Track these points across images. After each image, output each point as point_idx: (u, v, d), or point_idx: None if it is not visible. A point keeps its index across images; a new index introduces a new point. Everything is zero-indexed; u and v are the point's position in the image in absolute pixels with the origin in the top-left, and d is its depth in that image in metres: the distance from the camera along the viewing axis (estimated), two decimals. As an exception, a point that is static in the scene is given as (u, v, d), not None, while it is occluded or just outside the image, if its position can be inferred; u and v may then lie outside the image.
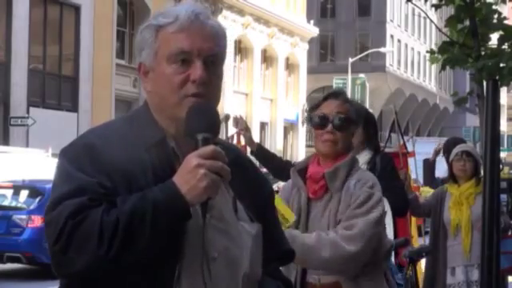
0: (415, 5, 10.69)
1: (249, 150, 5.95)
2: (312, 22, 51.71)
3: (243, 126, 5.91)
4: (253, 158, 6.06)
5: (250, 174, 2.35)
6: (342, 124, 3.70)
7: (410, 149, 8.01)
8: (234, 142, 6.22)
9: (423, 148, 13.71)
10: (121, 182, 2.10)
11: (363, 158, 5.21)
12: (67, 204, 2.04)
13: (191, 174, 2.03)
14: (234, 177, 2.11)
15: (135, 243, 2.01)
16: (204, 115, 2.13)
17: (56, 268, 2.09)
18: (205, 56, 2.20)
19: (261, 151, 5.82)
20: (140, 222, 2.02)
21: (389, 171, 5.34)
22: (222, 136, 6.05)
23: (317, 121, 3.74)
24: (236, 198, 2.24)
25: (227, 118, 4.66)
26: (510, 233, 6.73)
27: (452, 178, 6.57)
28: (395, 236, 5.35)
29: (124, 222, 2.01)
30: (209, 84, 2.20)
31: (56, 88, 29.29)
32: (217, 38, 2.24)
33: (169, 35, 2.21)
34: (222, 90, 2.31)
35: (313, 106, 3.84)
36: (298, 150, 47.78)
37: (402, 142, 7.23)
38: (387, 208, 5.00)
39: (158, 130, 2.21)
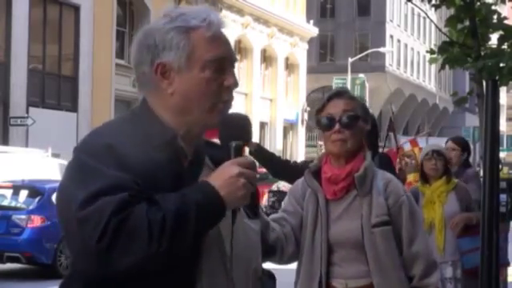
0: (415, 5, 10.68)
1: (247, 149, 5.93)
2: (312, 21, 51.71)
3: None
4: (252, 158, 6.06)
5: None
6: (349, 122, 3.67)
7: (422, 145, 8.09)
8: None
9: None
10: (144, 181, 2.10)
11: None
12: (108, 200, 2.01)
13: (232, 181, 2.11)
14: None
15: (180, 242, 2.04)
16: (236, 125, 2.22)
17: (97, 265, 2.04)
18: (235, 63, 2.26)
19: (260, 151, 5.80)
20: (185, 221, 2.05)
21: (388, 171, 5.34)
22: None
23: (324, 122, 3.71)
24: None
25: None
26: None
27: (423, 177, 6.63)
28: None
29: (171, 220, 2.02)
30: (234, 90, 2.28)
31: (56, 88, 29.28)
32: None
33: (204, 40, 2.21)
34: None
35: (318, 109, 3.79)
36: (298, 149, 47.78)
37: (400, 142, 7.25)
38: None
39: (167, 130, 2.21)
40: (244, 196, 2.12)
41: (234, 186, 2.10)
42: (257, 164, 5.49)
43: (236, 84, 2.23)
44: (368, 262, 3.61)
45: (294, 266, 3.80)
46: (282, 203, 3.90)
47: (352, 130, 3.68)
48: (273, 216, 3.74)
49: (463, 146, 7.84)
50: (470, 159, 8.32)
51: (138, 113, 2.25)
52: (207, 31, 2.21)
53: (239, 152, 2.18)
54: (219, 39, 2.23)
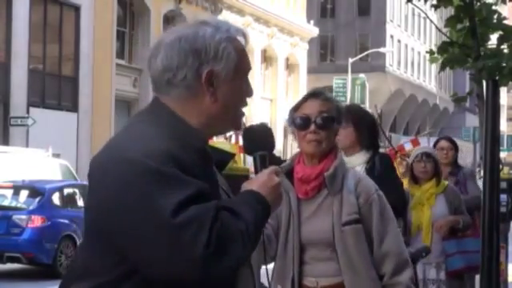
0: (415, 5, 10.68)
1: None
2: (312, 22, 51.72)
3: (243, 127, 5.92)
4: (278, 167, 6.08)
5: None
6: (325, 123, 3.71)
7: (424, 145, 8.12)
8: (233, 141, 6.23)
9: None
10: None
11: (361, 157, 5.19)
12: (205, 207, 2.10)
13: (274, 190, 2.27)
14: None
15: (254, 248, 2.22)
16: (259, 136, 2.38)
17: (198, 270, 2.07)
18: None
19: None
20: (259, 229, 2.21)
21: (389, 171, 5.33)
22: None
23: (299, 122, 3.75)
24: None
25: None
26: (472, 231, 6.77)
27: (413, 179, 6.65)
28: None
29: (251, 228, 2.16)
30: None
31: (56, 88, 29.28)
32: None
33: (243, 52, 2.33)
34: None
35: (294, 108, 3.84)
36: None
37: (400, 142, 7.30)
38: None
39: (199, 134, 2.29)
40: (280, 203, 2.30)
41: (275, 195, 2.27)
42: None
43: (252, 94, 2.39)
44: (339, 261, 3.64)
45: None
46: None
47: (327, 131, 3.72)
48: None
49: (456, 144, 7.89)
50: (470, 159, 8.33)
51: (163, 117, 2.28)
52: (244, 43, 2.35)
53: (264, 161, 2.33)
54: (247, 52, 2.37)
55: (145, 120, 2.28)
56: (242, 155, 6.25)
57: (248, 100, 2.37)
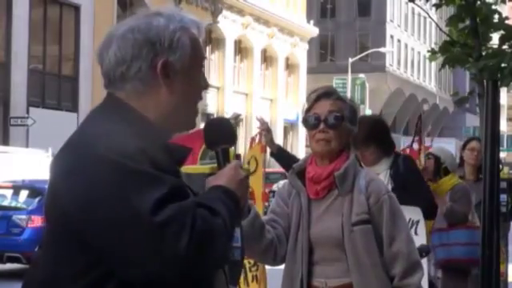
0: (417, 4, 10.67)
1: (268, 150, 5.96)
2: (312, 22, 51.72)
3: (265, 127, 5.95)
4: (272, 160, 6.09)
5: None
6: (334, 122, 3.70)
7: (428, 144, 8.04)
8: (257, 141, 6.28)
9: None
10: None
11: (384, 164, 5.21)
12: (184, 204, 2.04)
13: (242, 184, 2.22)
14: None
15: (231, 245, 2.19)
16: (220, 129, 2.31)
17: (181, 267, 2.02)
18: None
19: (281, 153, 5.84)
20: (233, 225, 2.15)
21: (414, 172, 5.31)
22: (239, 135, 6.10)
23: (310, 121, 3.76)
24: None
25: (237, 117, 4.71)
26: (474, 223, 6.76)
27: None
28: None
29: (229, 224, 2.11)
30: None
31: (56, 88, 29.30)
32: None
33: (198, 41, 2.26)
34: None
35: (306, 109, 3.84)
36: (298, 150, 47.76)
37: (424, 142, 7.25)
38: (420, 217, 4.98)
39: (162, 131, 2.21)
40: (247, 198, 2.25)
41: (244, 189, 2.22)
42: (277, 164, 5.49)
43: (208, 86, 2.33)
44: (348, 261, 3.63)
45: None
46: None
47: (336, 131, 3.71)
48: (263, 218, 3.76)
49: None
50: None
51: (123, 113, 2.18)
52: (199, 33, 2.27)
53: (227, 155, 2.26)
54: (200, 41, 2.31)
55: (105, 117, 2.18)
56: (262, 155, 6.25)
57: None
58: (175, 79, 2.21)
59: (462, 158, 7.46)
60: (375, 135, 5.21)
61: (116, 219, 2.00)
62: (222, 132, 2.30)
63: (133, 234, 2.00)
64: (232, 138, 2.31)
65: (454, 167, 7.19)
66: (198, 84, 2.27)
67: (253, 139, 6.41)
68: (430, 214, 5.34)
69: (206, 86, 2.30)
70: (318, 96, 3.81)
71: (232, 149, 2.31)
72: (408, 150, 7.27)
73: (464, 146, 7.52)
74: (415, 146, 7.44)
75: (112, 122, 2.14)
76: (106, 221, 2.01)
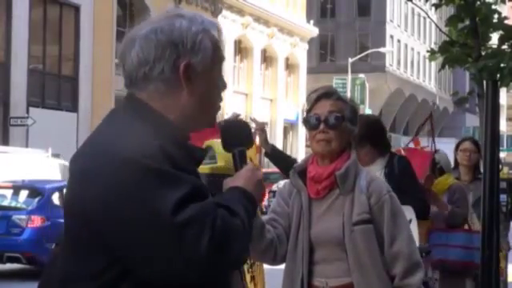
0: (415, 4, 10.70)
1: (263, 150, 5.95)
2: (312, 22, 51.72)
3: (260, 127, 5.95)
4: (267, 159, 6.08)
5: None
6: (334, 122, 3.70)
7: (423, 144, 7.99)
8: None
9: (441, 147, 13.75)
10: None
11: (379, 164, 5.22)
12: (205, 204, 2.06)
13: (258, 184, 2.27)
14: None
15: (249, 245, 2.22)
16: (236, 131, 2.36)
17: (202, 267, 2.03)
18: None
19: (275, 153, 5.84)
20: (251, 226, 2.19)
21: (409, 173, 5.33)
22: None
23: (310, 122, 3.76)
24: None
25: (237, 117, 4.76)
26: (466, 226, 6.75)
27: None
28: None
29: (247, 225, 2.15)
30: None
31: (56, 88, 29.29)
32: None
33: (218, 44, 2.28)
34: None
35: (307, 109, 3.85)
36: (298, 150, 47.80)
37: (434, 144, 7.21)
38: (412, 216, 4.99)
39: (184, 133, 2.25)
40: (263, 199, 2.30)
41: (261, 191, 2.27)
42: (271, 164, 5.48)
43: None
44: (348, 261, 3.63)
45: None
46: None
47: (337, 131, 3.71)
48: (264, 217, 3.76)
49: (480, 148, 7.59)
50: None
51: (145, 114, 2.20)
52: (219, 35, 2.29)
53: (244, 157, 2.31)
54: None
55: (126, 117, 2.20)
56: (258, 155, 6.22)
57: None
58: (196, 81, 2.22)
59: (456, 160, 7.44)
60: (370, 135, 5.22)
61: (137, 219, 2.02)
62: (240, 134, 2.35)
63: (153, 234, 2.01)
64: (249, 141, 2.36)
65: (448, 167, 7.18)
66: (217, 85, 2.28)
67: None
68: (423, 214, 5.36)
69: (224, 86, 2.31)
70: (319, 96, 3.82)
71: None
72: (402, 150, 7.25)
73: (457, 148, 7.48)
74: (411, 145, 7.43)
75: (133, 123, 2.16)
76: (127, 221, 2.03)
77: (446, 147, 9.37)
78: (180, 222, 2.00)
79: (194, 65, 2.21)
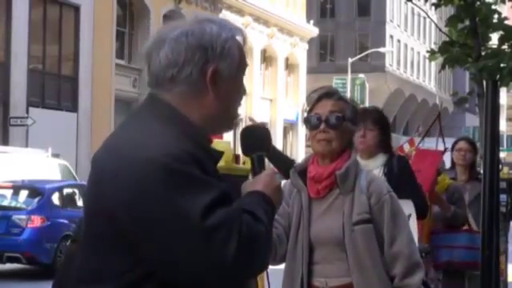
0: (415, 4, 10.71)
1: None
2: (312, 22, 51.72)
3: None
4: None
5: None
6: (335, 122, 3.71)
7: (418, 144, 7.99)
8: None
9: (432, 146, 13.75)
10: None
11: (379, 160, 5.22)
12: (232, 210, 2.09)
13: (277, 191, 2.28)
14: None
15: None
16: (255, 137, 2.38)
17: (227, 272, 2.05)
18: None
19: (274, 153, 5.85)
20: (272, 231, 2.22)
21: (408, 173, 5.34)
22: None
23: (311, 122, 3.77)
24: None
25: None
26: (465, 226, 6.75)
27: None
28: None
29: (270, 230, 2.19)
30: None
31: (56, 88, 29.27)
32: None
33: (243, 51, 2.31)
34: None
35: (308, 109, 3.86)
36: (298, 150, 47.79)
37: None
38: (412, 211, 5.00)
39: (203, 132, 2.26)
40: (281, 204, 2.33)
41: (279, 196, 2.29)
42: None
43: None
44: (348, 261, 3.63)
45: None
46: None
47: (337, 131, 3.72)
48: None
49: (476, 147, 7.48)
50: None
51: (168, 114, 2.21)
52: (244, 42, 2.33)
53: (262, 162, 2.34)
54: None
55: (149, 118, 2.20)
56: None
57: (247, 100, 2.38)
58: (221, 86, 2.25)
59: (452, 160, 7.44)
60: (382, 123, 5.27)
61: (164, 219, 2.03)
62: (261, 139, 2.37)
63: (181, 236, 2.02)
64: (269, 146, 2.39)
65: (442, 167, 7.18)
66: (239, 91, 2.31)
67: None
68: (421, 213, 5.37)
69: (244, 92, 2.35)
70: (320, 96, 3.82)
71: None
72: (402, 150, 7.25)
73: (452, 148, 7.47)
74: (406, 146, 7.42)
75: (157, 123, 2.17)
76: (153, 221, 2.04)
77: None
78: (209, 226, 2.01)
79: (221, 70, 2.24)
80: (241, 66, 2.29)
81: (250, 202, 2.18)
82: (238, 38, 2.30)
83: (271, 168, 2.36)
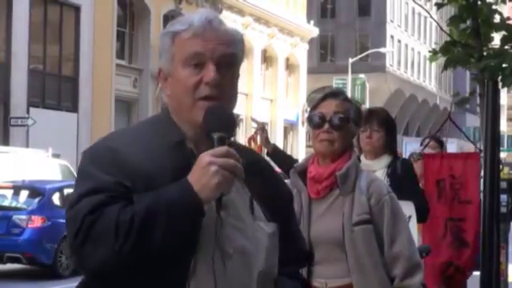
0: (418, 4, 10.70)
1: (264, 150, 5.96)
2: (312, 22, 51.72)
3: (260, 127, 5.96)
4: (268, 159, 6.09)
5: (267, 176, 2.41)
6: (339, 123, 3.70)
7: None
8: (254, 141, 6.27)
9: (413, 147, 13.75)
10: (141, 182, 2.16)
11: (383, 161, 5.23)
12: (85, 201, 2.12)
13: (203, 171, 2.10)
14: (251, 177, 2.23)
15: (150, 240, 2.08)
16: (219, 115, 2.21)
17: (77, 263, 2.17)
18: (217, 58, 2.26)
19: (276, 152, 5.86)
20: (154, 219, 2.08)
21: (411, 176, 5.35)
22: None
23: (314, 121, 3.75)
24: (253, 198, 2.29)
25: (236, 117, 4.80)
26: None
27: None
28: None
29: (139, 219, 2.07)
30: (222, 85, 2.26)
31: (56, 88, 29.28)
32: (230, 40, 2.32)
33: (184, 41, 2.28)
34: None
35: (312, 107, 3.85)
36: (298, 150, 47.78)
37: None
38: (412, 212, 5.00)
39: (178, 133, 2.28)
40: (219, 184, 2.09)
41: (207, 176, 2.09)
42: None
43: (215, 79, 2.23)
44: (348, 261, 3.63)
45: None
46: None
47: (341, 132, 3.71)
48: None
49: (442, 144, 7.61)
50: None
51: (157, 117, 2.38)
52: (187, 32, 2.28)
53: (223, 144, 2.16)
54: (199, 37, 2.27)
55: (146, 119, 2.43)
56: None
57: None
58: (168, 83, 2.32)
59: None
60: (389, 124, 5.31)
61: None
62: (222, 119, 2.21)
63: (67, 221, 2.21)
64: (231, 128, 2.23)
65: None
66: (184, 81, 2.26)
67: (250, 139, 6.41)
68: (422, 217, 5.39)
69: (207, 77, 2.25)
70: (325, 95, 3.82)
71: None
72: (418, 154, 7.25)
73: (422, 145, 7.54)
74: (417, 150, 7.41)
75: (139, 124, 2.43)
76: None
77: (446, 147, 9.36)
78: (68, 217, 2.17)
79: (163, 67, 2.37)
80: (175, 57, 2.29)
81: (151, 193, 2.12)
82: (176, 28, 2.30)
83: (209, 154, 2.13)
